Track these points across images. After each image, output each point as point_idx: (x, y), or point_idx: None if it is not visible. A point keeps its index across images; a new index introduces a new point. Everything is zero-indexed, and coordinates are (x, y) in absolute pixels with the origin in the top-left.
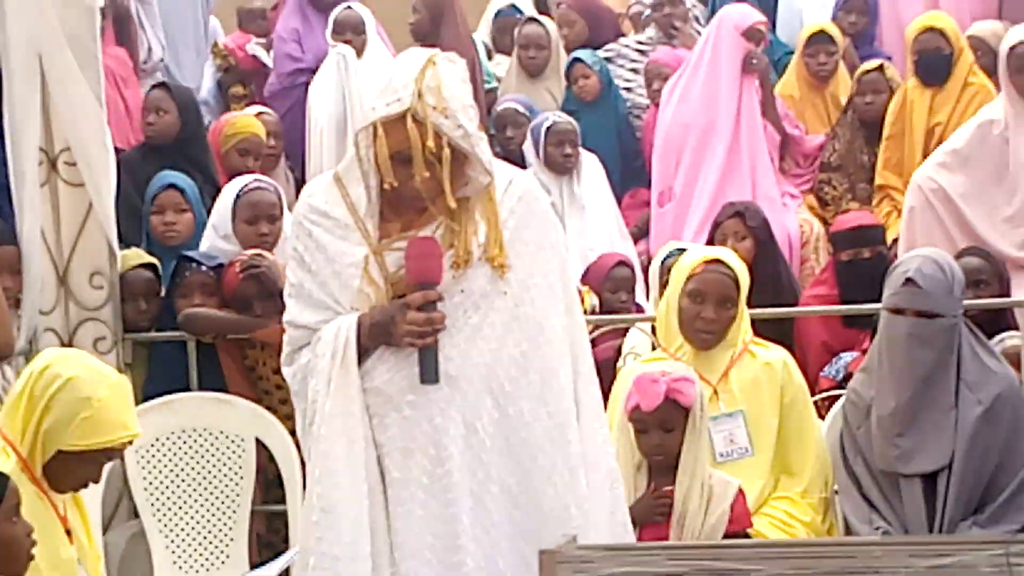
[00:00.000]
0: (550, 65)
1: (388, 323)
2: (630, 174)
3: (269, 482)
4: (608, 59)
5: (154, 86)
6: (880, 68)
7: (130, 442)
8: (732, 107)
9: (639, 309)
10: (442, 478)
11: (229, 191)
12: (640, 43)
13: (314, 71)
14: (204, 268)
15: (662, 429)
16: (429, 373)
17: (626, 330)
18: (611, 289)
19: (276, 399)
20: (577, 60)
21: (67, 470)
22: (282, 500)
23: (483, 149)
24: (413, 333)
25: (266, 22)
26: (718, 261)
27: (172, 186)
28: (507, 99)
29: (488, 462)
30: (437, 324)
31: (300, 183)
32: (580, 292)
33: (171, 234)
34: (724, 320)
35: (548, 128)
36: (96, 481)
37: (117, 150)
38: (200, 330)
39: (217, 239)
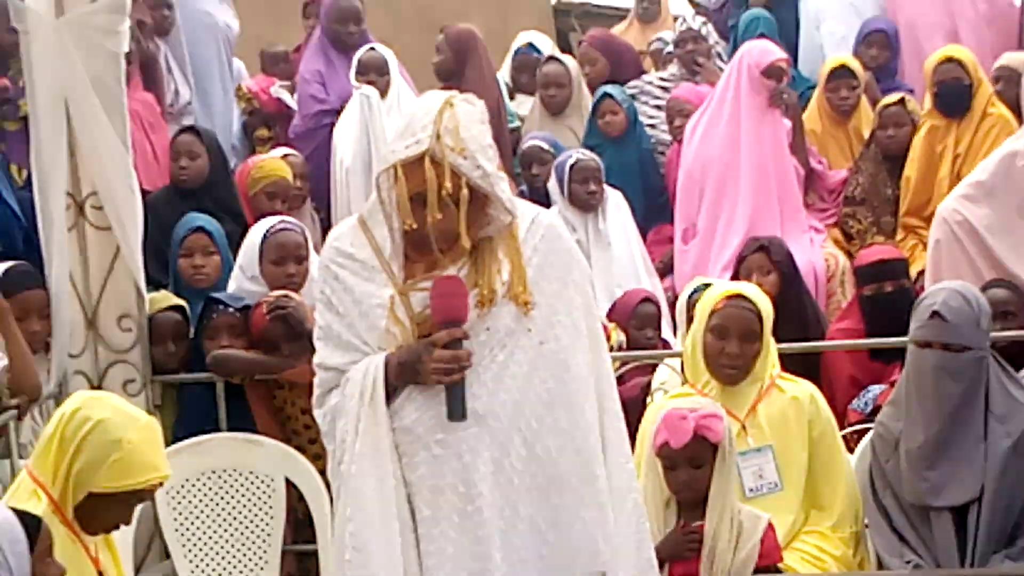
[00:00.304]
0: (571, 103)
1: (415, 362)
2: (654, 210)
3: (299, 522)
4: (632, 96)
5: (182, 130)
6: (902, 101)
7: (160, 483)
8: (755, 144)
9: (666, 345)
10: (472, 515)
11: (256, 232)
12: (663, 79)
13: (338, 112)
14: (231, 310)
15: (691, 466)
16: (456, 410)
17: (654, 367)
18: (637, 326)
19: (305, 439)
20: (607, 96)
21: (98, 512)
22: (312, 539)
23: (503, 188)
24: (440, 371)
25: (289, 65)
26: (740, 296)
27: (200, 229)
28: (532, 137)
29: (517, 500)
30: (463, 361)
31: (326, 223)
32: (607, 329)
33: (200, 277)
34: (748, 355)
35: (572, 165)
36: (127, 523)
37: (144, 193)
38: (229, 372)
39: (245, 280)
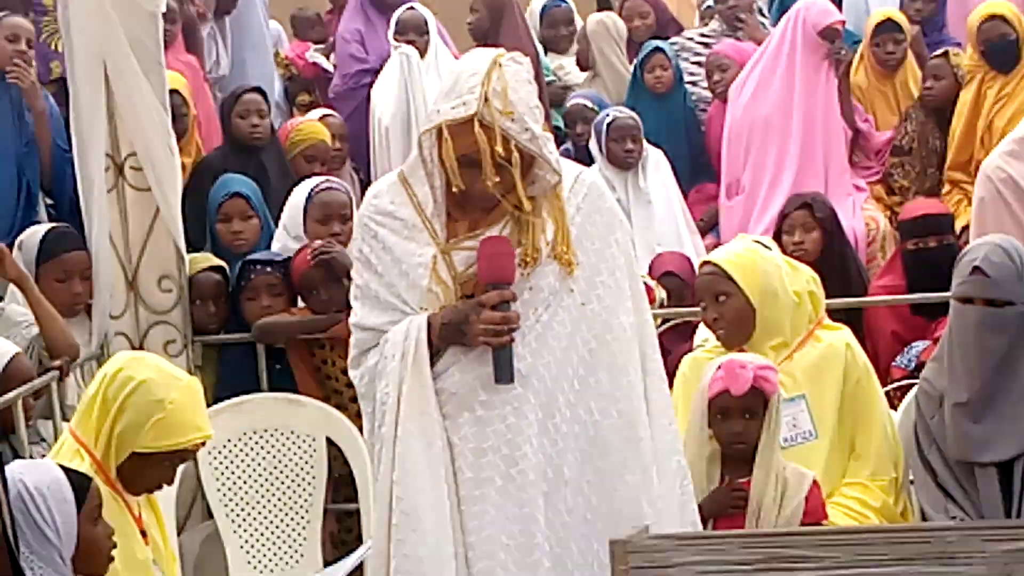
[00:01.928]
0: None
1: (462, 323)
2: (696, 169)
3: (339, 481)
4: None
5: (249, 90)
6: (945, 55)
7: (203, 443)
8: (807, 104)
9: None
10: (516, 478)
11: (300, 192)
12: (704, 36)
13: (377, 71)
14: (268, 269)
15: (744, 416)
16: (504, 373)
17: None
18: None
19: (346, 398)
20: (658, 50)
21: (141, 472)
22: (352, 498)
23: (550, 149)
24: (489, 332)
25: (322, 28)
26: (706, 263)
27: (237, 194)
28: (577, 95)
29: (560, 462)
30: (513, 323)
31: (365, 184)
32: (649, 288)
33: (239, 242)
34: (727, 313)
35: (609, 124)
36: (170, 483)
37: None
38: (275, 338)
39: (288, 240)
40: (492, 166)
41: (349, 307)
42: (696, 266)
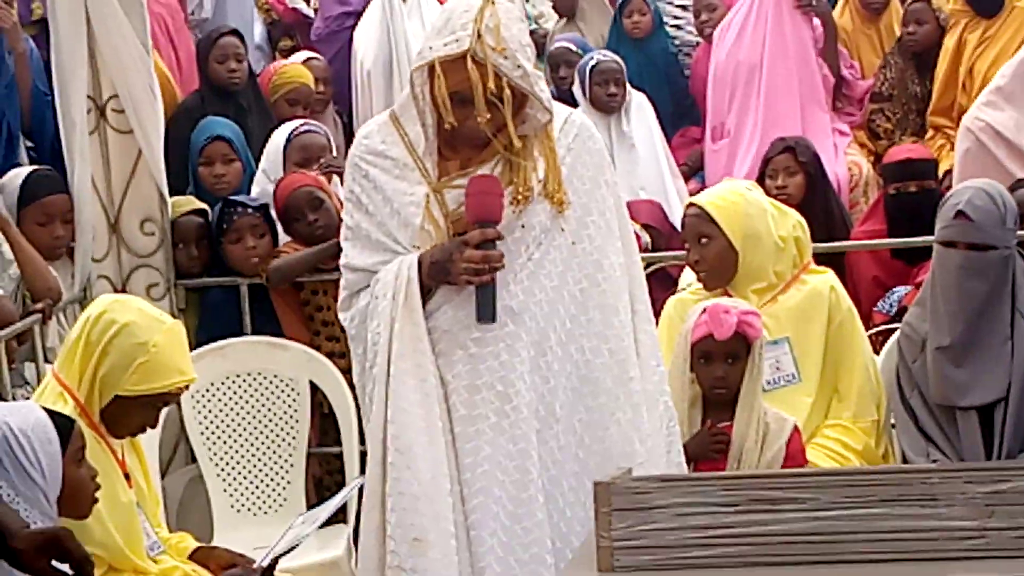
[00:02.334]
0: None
1: (446, 261)
2: (679, 112)
3: (322, 424)
4: None
5: (224, 32)
6: None
7: (186, 387)
8: (783, 46)
9: None
10: (510, 414)
11: (279, 135)
12: None
13: (360, 14)
14: (251, 211)
15: (727, 361)
16: (486, 312)
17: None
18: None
19: (344, 344)
20: None
21: (124, 415)
22: (336, 442)
23: (542, 88)
24: (470, 271)
25: None
26: (690, 204)
27: (219, 137)
28: (560, 39)
29: (553, 400)
30: (495, 262)
31: (347, 127)
32: (635, 232)
33: (221, 185)
34: (708, 256)
35: (592, 68)
36: (153, 426)
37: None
38: (290, 277)
39: (268, 184)
40: (484, 102)
41: (338, 231)
42: (667, 213)
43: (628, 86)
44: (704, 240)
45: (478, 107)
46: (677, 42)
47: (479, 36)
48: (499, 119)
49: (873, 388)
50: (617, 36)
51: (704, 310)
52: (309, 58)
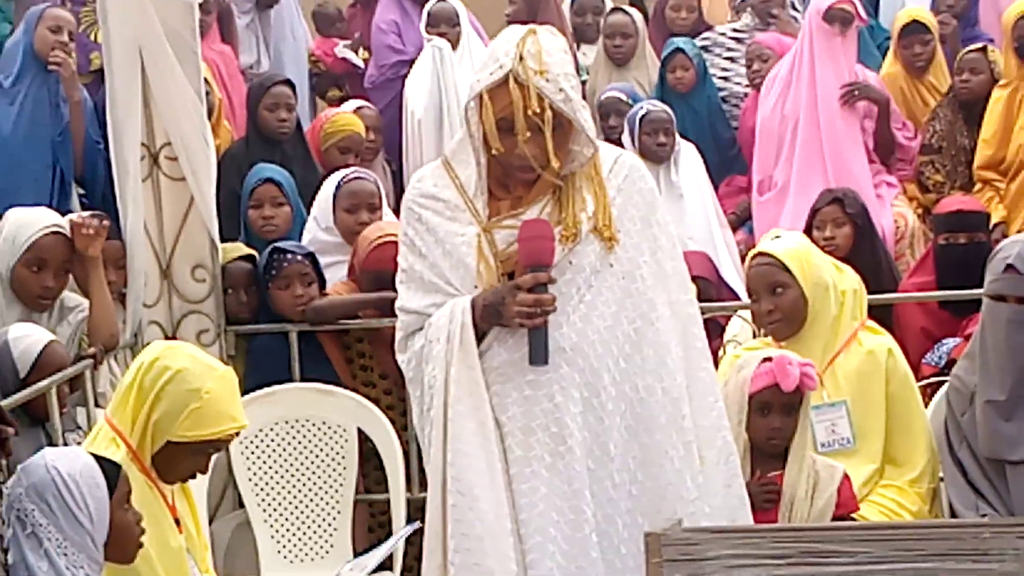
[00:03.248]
0: (637, 54)
1: (498, 304)
2: (724, 163)
3: (370, 471)
4: (704, 47)
5: (278, 81)
6: (983, 49)
7: (237, 433)
8: (828, 98)
9: (735, 295)
10: (564, 455)
11: (329, 183)
12: (736, 31)
13: (413, 62)
14: (300, 258)
15: (785, 413)
16: (538, 354)
17: (727, 318)
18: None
19: (380, 390)
20: (678, 50)
21: (176, 461)
22: (383, 488)
23: (585, 117)
24: (523, 314)
25: (344, 24)
26: (760, 253)
27: (270, 180)
28: (611, 88)
29: (607, 439)
30: (546, 306)
31: (396, 176)
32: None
33: (269, 228)
34: (784, 306)
35: (642, 117)
36: (204, 472)
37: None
38: (328, 319)
39: (319, 231)
40: (524, 122)
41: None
42: (715, 264)
43: (677, 136)
44: (779, 290)
45: (519, 127)
46: (724, 93)
47: (520, 59)
48: (541, 143)
49: (932, 456)
50: (662, 89)
51: (764, 360)
52: (360, 107)
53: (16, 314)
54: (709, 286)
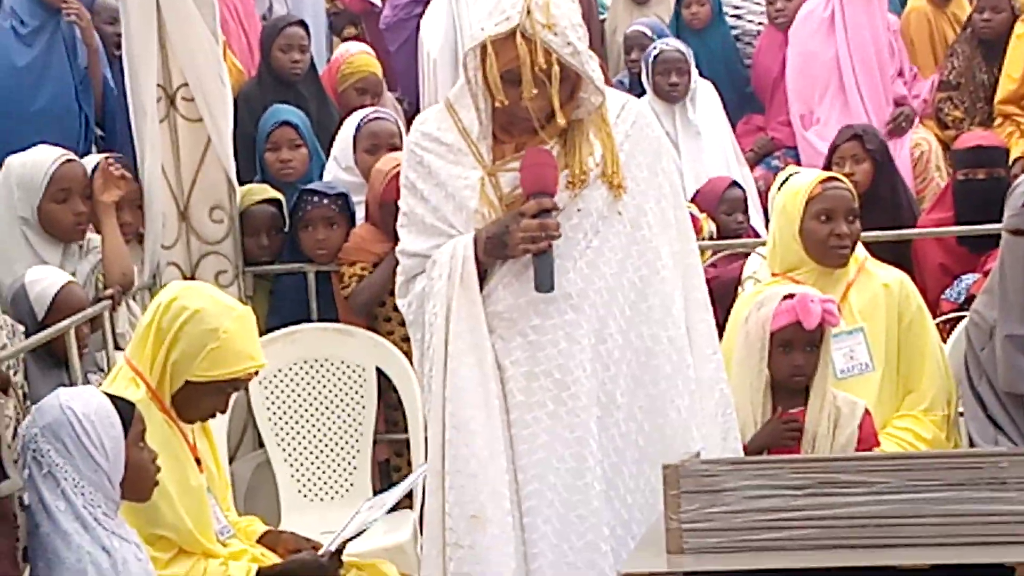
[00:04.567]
0: None
1: (503, 233)
2: (740, 100)
3: (389, 410)
4: None
5: (292, 23)
6: None
7: (256, 372)
8: (856, 34)
9: (756, 234)
10: (567, 402)
11: (350, 123)
12: None
13: (428, 3)
14: (325, 201)
15: (807, 349)
16: (544, 282)
17: (746, 253)
18: (726, 211)
19: (395, 323)
20: None
21: (195, 400)
22: (402, 427)
23: (593, 67)
24: (527, 239)
25: None
26: (834, 178)
27: (286, 123)
28: (637, 22)
29: (613, 387)
30: (551, 230)
31: (410, 115)
32: (697, 219)
33: (287, 171)
34: (855, 234)
35: (655, 57)
36: (223, 411)
37: None
38: (373, 301)
39: (339, 171)
40: (532, 78)
41: None
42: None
43: (693, 74)
44: (853, 219)
45: (525, 83)
46: (737, 31)
47: (528, 12)
48: (548, 97)
49: (945, 383)
50: (677, 26)
51: (788, 297)
52: (362, 51)
53: (53, 253)
54: (745, 199)
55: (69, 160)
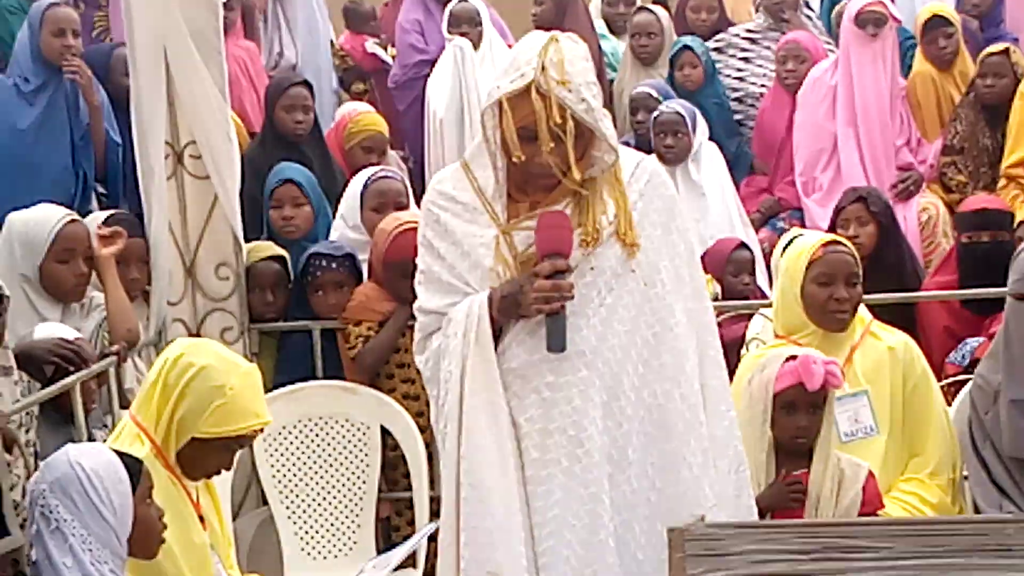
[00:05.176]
0: (663, 53)
1: (516, 293)
2: (733, 160)
3: (393, 469)
4: (718, 49)
5: (295, 83)
6: (1006, 52)
7: (261, 429)
8: (860, 105)
9: (761, 294)
10: (582, 459)
11: (356, 182)
12: (750, 31)
13: (436, 62)
14: (335, 266)
15: (810, 411)
16: (556, 341)
17: (750, 315)
18: (733, 272)
19: (397, 380)
20: (687, 48)
21: (200, 457)
22: (405, 487)
23: (607, 125)
24: (540, 299)
25: (376, 23)
26: (836, 242)
27: (289, 180)
28: (643, 83)
29: (625, 444)
30: (565, 291)
31: (420, 174)
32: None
33: (290, 228)
34: (855, 298)
35: (655, 119)
36: (228, 468)
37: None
38: (382, 359)
39: (346, 229)
40: (548, 133)
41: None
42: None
43: (697, 135)
44: (855, 283)
45: (541, 138)
46: (740, 93)
47: (543, 69)
48: (565, 154)
49: (949, 448)
50: (672, 88)
51: (788, 359)
52: (369, 110)
53: (53, 311)
54: (750, 258)
55: (73, 220)
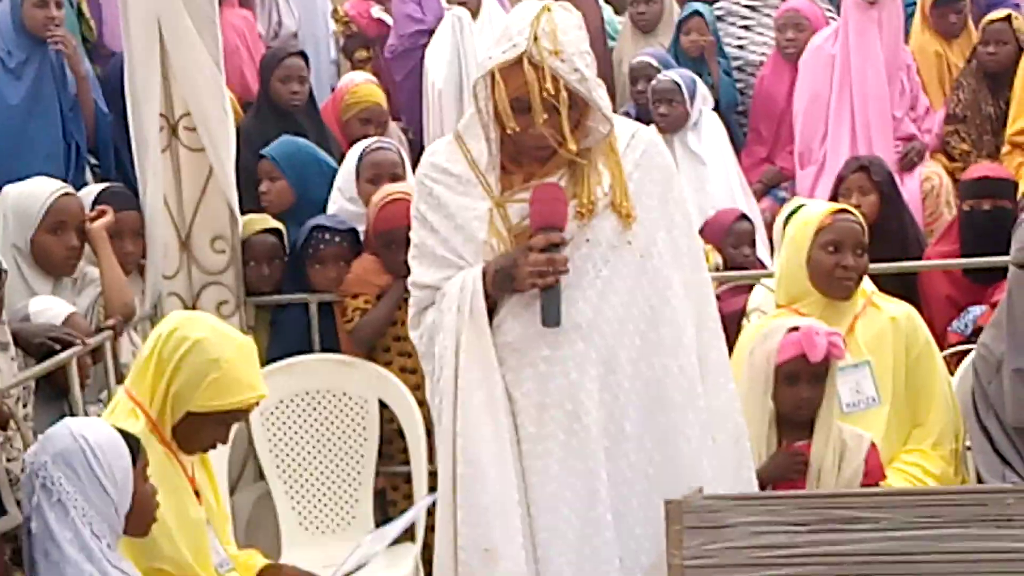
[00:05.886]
0: (663, 20)
1: (511, 266)
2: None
3: (390, 443)
4: (718, 17)
5: (292, 53)
6: (1007, 18)
7: (257, 403)
8: (860, 68)
9: (762, 265)
10: (579, 433)
11: (352, 154)
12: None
13: (433, 32)
14: (338, 239)
15: (812, 382)
16: (551, 316)
17: (751, 287)
18: (733, 244)
19: (394, 353)
20: (697, 13)
21: (196, 431)
22: (403, 461)
23: (601, 95)
24: (535, 274)
25: None
26: (845, 211)
27: (261, 156)
28: (643, 52)
29: (622, 417)
30: (559, 265)
31: (418, 145)
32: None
33: (264, 203)
34: (862, 267)
35: (653, 88)
36: (224, 442)
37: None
38: (377, 334)
39: (344, 201)
40: (541, 103)
41: None
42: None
43: (695, 104)
44: (861, 252)
45: (535, 109)
46: (740, 62)
47: (535, 39)
48: (558, 124)
49: (952, 418)
50: (675, 53)
51: (791, 330)
52: (367, 80)
53: (44, 285)
54: (750, 229)
55: (67, 193)
